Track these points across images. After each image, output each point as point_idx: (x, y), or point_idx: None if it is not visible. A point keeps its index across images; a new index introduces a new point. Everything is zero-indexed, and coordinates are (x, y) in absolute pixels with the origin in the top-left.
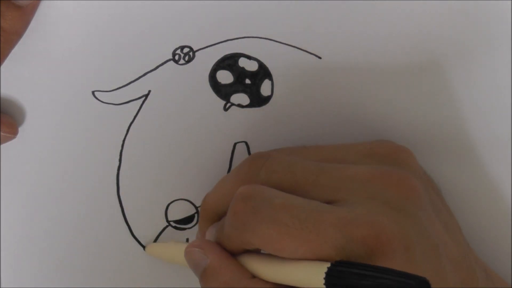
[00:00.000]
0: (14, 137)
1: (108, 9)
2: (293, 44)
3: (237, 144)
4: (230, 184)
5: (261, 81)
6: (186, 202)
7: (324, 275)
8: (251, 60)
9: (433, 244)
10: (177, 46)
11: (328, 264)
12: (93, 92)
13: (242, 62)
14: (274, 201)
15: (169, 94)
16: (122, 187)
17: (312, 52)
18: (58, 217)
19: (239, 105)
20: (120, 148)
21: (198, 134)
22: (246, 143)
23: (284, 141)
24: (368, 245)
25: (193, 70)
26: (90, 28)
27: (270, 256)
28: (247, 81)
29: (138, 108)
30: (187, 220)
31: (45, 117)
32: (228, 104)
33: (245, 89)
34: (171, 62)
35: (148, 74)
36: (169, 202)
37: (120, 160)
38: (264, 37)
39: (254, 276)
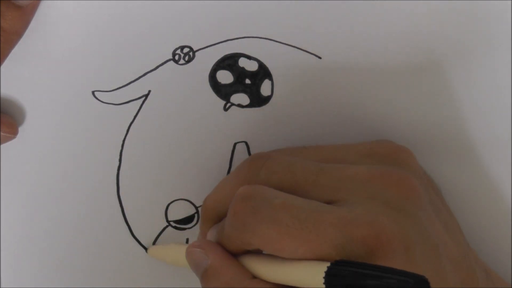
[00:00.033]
0: (14, 137)
1: (108, 9)
2: (293, 44)
3: (237, 144)
4: (230, 185)
5: (261, 81)
6: (186, 202)
7: (323, 275)
8: (251, 60)
9: (433, 244)
10: (177, 46)
11: (328, 264)
12: (93, 92)
13: (242, 62)
14: (274, 201)
15: (169, 94)
16: (122, 187)
17: (312, 52)
18: (58, 217)
19: (239, 105)
20: (120, 148)
21: (198, 134)
22: (246, 143)
23: (284, 141)
24: (368, 245)
25: (193, 70)
26: (90, 28)
27: (271, 256)
28: (247, 81)
29: (138, 108)
30: (187, 220)
31: (45, 117)
32: (228, 104)
33: (245, 89)
34: (171, 62)
35: (148, 74)
36: (169, 202)
37: (120, 160)
38: (264, 37)
39: (254, 277)
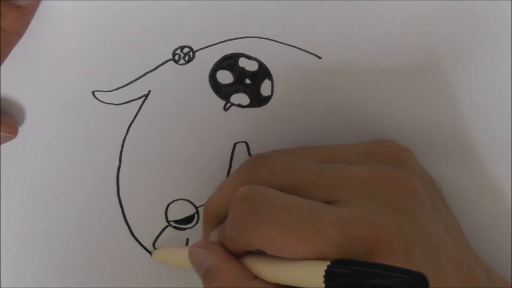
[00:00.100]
0: (14, 137)
1: (108, 9)
2: (293, 44)
3: (237, 144)
4: (230, 186)
5: (261, 81)
6: (186, 202)
7: (323, 273)
8: (251, 60)
9: (433, 244)
10: (177, 46)
11: (328, 263)
12: (93, 92)
13: (242, 62)
14: (274, 201)
15: (169, 94)
16: (122, 187)
17: (312, 52)
18: (58, 217)
19: (239, 105)
20: (120, 148)
21: (198, 134)
22: (246, 143)
23: (284, 141)
24: (368, 244)
25: (193, 70)
26: (90, 28)
27: (272, 257)
28: (247, 81)
29: (138, 108)
30: (187, 220)
31: (45, 117)
32: (228, 104)
33: (245, 89)
34: (171, 62)
35: (148, 74)
36: (169, 202)
37: (120, 160)
38: (264, 37)
39: (256, 277)
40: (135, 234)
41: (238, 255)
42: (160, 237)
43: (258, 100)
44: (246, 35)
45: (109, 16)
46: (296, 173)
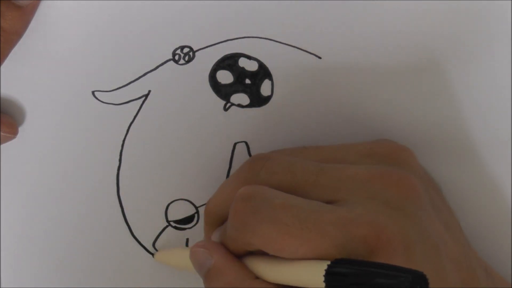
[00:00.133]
0: (14, 137)
1: (108, 9)
2: (293, 44)
3: (237, 144)
4: (231, 187)
5: (261, 81)
6: (186, 202)
7: (323, 273)
8: (251, 60)
9: (433, 244)
10: (177, 46)
11: (328, 262)
12: (93, 92)
13: (242, 62)
14: (274, 201)
15: (169, 94)
16: (122, 187)
17: (312, 52)
18: (58, 217)
19: (239, 105)
20: (120, 148)
21: (198, 134)
22: (246, 143)
23: (284, 141)
24: (368, 244)
25: (193, 70)
26: (90, 28)
27: (273, 257)
28: (247, 81)
29: (138, 108)
30: (187, 220)
31: (45, 117)
32: (228, 104)
33: (245, 89)
34: (171, 62)
35: (148, 74)
36: (169, 202)
37: (120, 160)
38: (264, 37)
39: (257, 277)
40: (135, 234)
41: (239, 256)
42: (160, 237)
43: (258, 100)
44: (246, 35)
45: (109, 16)
46: (296, 173)
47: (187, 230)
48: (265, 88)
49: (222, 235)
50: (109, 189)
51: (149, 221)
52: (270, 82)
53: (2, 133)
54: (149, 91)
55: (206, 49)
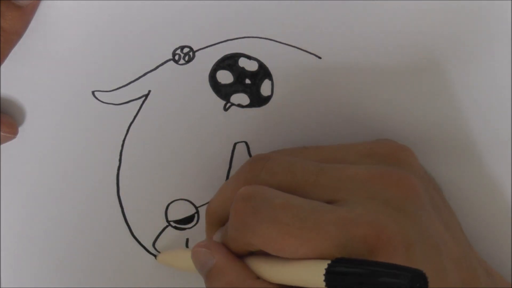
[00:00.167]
0: (14, 137)
1: (108, 9)
2: (293, 44)
3: (237, 144)
4: (231, 187)
5: (261, 81)
6: (186, 202)
7: (324, 272)
8: (251, 60)
9: (433, 244)
10: (177, 46)
11: (329, 261)
12: (93, 92)
13: (242, 62)
14: (274, 201)
15: (169, 94)
16: (122, 187)
17: (312, 52)
18: (58, 217)
19: (239, 105)
20: (120, 148)
21: (198, 134)
22: (246, 143)
23: (284, 141)
24: (368, 244)
25: (193, 70)
26: (90, 28)
27: (274, 257)
28: (247, 81)
29: (138, 108)
30: (187, 220)
31: (45, 117)
32: (228, 104)
33: (245, 89)
34: (171, 62)
35: (148, 74)
36: (169, 202)
37: (120, 160)
38: (264, 37)
39: (258, 277)
40: (135, 234)
41: (240, 256)
42: (160, 237)
43: (258, 100)
44: (246, 35)
45: (109, 16)
46: (296, 173)
47: (187, 230)
48: (265, 88)
49: (223, 235)
50: (109, 189)
51: (149, 221)
52: (270, 82)
53: (2, 133)
54: (149, 91)
55: (206, 49)
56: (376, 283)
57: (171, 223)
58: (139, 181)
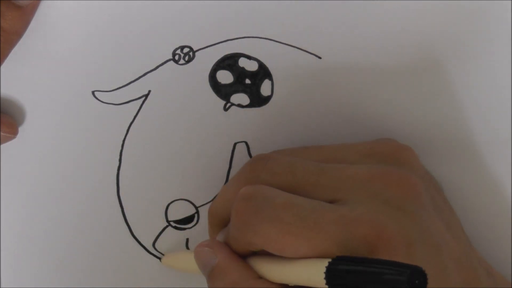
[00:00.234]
0: (14, 137)
1: (108, 9)
2: (293, 44)
3: (237, 144)
4: (233, 188)
5: (261, 81)
6: (186, 202)
7: (324, 270)
8: (251, 60)
9: (434, 243)
10: (177, 46)
11: (329, 260)
12: (93, 92)
13: (242, 62)
14: (275, 201)
15: (169, 94)
16: (122, 187)
17: (312, 52)
18: (58, 217)
19: (239, 105)
20: (120, 148)
21: (198, 134)
22: (246, 143)
23: (284, 141)
24: (369, 243)
25: (193, 70)
26: (90, 28)
27: (276, 257)
28: (247, 81)
29: (138, 108)
30: (187, 220)
31: (45, 117)
32: (228, 104)
33: (245, 89)
34: (171, 62)
35: (148, 74)
36: (169, 202)
37: (120, 160)
38: (264, 37)
39: (261, 277)
40: (135, 234)
41: (243, 256)
42: (160, 237)
43: (258, 100)
44: (246, 35)
45: (109, 16)
46: (296, 174)
47: (187, 230)
48: (265, 88)
49: (226, 236)
50: (109, 189)
51: (149, 221)
52: (270, 82)
53: (2, 133)
54: (149, 91)
55: (206, 49)
56: (375, 280)
57: (171, 223)
58: (139, 181)
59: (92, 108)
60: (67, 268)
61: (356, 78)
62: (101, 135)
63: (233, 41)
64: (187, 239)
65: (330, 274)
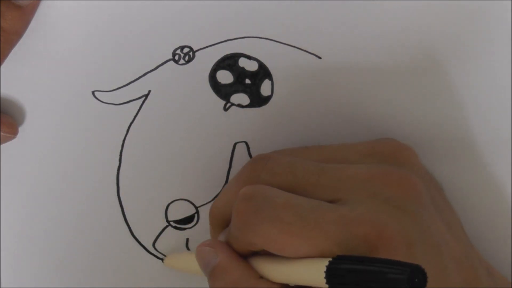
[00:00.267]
0: (14, 137)
1: (108, 9)
2: (293, 44)
3: (237, 144)
4: (233, 188)
5: (261, 81)
6: (186, 202)
7: (325, 269)
8: (251, 60)
9: (434, 243)
10: (177, 46)
11: (330, 259)
12: (93, 92)
13: (242, 62)
14: (276, 200)
15: (169, 94)
16: (122, 187)
17: (312, 52)
18: (58, 217)
19: (239, 105)
20: (120, 148)
21: (198, 134)
22: (246, 143)
23: (284, 141)
24: (369, 242)
25: (193, 70)
26: (90, 28)
27: (278, 257)
28: (247, 81)
29: (138, 108)
30: (187, 220)
31: (45, 117)
32: (228, 104)
33: (245, 89)
34: (171, 62)
35: (148, 74)
36: (169, 202)
37: (120, 160)
38: (264, 37)
39: (261, 277)
40: (135, 234)
41: (244, 256)
42: (160, 237)
43: (258, 100)
44: (246, 35)
45: (109, 16)
46: (297, 174)
47: (187, 230)
48: (265, 88)
49: (227, 236)
50: (109, 189)
51: (149, 221)
52: (270, 82)
53: (2, 133)
54: (149, 91)
55: (206, 49)
56: (375, 279)
57: (171, 223)
58: (139, 181)
59: (92, 108)
60: (67, 268)
61: (356, 78)
62: (101, 135)
63: (233, 41)
64: (187, 239)
65: (330, 274)
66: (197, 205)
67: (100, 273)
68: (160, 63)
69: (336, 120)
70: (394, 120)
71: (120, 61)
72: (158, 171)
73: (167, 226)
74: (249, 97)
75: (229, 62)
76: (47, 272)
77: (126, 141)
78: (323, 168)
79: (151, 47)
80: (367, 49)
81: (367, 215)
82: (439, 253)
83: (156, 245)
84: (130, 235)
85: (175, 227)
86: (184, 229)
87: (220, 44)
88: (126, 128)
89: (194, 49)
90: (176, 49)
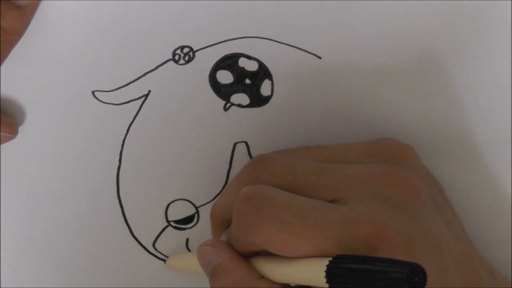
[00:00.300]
0: (14, 137)
1: (108, 9)
2: (293, 44)
3: (237, 144)
4: (234, 189)
5: (261, 81)
6: (186, 202)
7: (325, 268)
8: (251, 60)
9: (435, 243)
10: (177, 46)
11: (330, 258)
12: (93, 92)
13: (242, 62)
14: (276, 200)
15: (169, 94)
16: (122, 187)
17: (312, 52)
18: (58, 217)
19: (239, 105)
20: (120, 148)
21: (198, 134)
22: (246, 143)
23: (284, 141)
24: (370, 242)
25: (193, 70)
26: (90, 28)
27: (279, 257)
28: (247, 81)
29: (138, 108)
30: (187, 220)
31: (45, 117)
32: (228, 104)
33: (245, 89)
34: (171, 62)
35: (148, 74)
36: (169, 202)
37: (120, 160)
38: (264, 37)
39: (263, 277)
40: (135, 234)
41: (245, 256)
42: (160, 237)
43: (258, 100)
44: (246, 35)
45: (109, 16)
46: (297, 174)
47: (187, 230)
48: (265, 88)
49: (228, 236)
50: (109, 189)
51: (149, 221)
52: (270, 82)
53: (2, 133)
54: (149, 91)
55: (206, 49)
56: (375, 278)
57: (171, 223)
58: (139, 181)
59: (92, 108)
60: (67, 268)
61: (356, 78)
62: (101, 135)
63: (233, 41)
64: (187, 239)
65: (330, 273)
66: (197, 205)
67: (100, 273)
68: (160, 63)
69: (336, 120)
70: (394, 120)
71: (120, 61)
72: (158, 171)
73: (167, 226)
74: (249, 97)
75: (229, 62)
76: (47, 272)
77: (126, 141)
78: (323, 168)
79: (151, 47)
80: (367, 49)
81: (368, 215)
82: (439, 253)
83: (156, 245)
84: (130, 235)
85: (175, 227)
86: (184, 229)
87: (220, 44)
88: (126, 128)
89: (194, 49)
90: (176, 49)
